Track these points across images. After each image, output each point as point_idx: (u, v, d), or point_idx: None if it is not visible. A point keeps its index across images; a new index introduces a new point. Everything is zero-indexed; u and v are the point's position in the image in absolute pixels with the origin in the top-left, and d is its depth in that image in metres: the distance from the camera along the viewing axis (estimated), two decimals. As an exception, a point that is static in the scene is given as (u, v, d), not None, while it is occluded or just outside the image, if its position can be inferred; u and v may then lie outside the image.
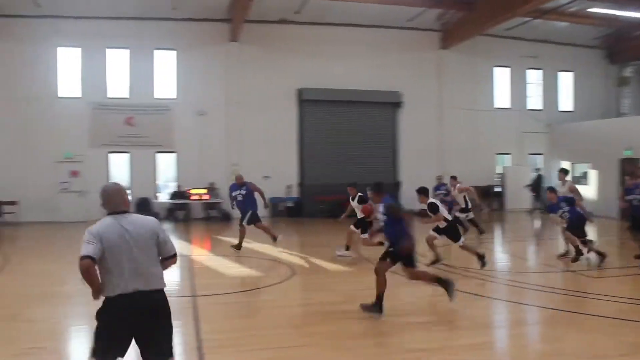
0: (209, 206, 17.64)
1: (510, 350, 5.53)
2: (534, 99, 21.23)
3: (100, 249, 3.18)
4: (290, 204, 18.18)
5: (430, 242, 9.04)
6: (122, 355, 3.34)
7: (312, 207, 17.68)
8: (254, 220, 10.48)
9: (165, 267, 3.49)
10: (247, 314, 6.55)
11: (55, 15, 16.73)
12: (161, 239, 3.41)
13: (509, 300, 7.18)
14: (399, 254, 6.11)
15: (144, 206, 16.61)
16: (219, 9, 17.43)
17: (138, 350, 3.39)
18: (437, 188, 13.33)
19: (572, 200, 9.54)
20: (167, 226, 15.81)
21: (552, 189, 10.13)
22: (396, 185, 18.46)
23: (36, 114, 16.74)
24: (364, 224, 9.76)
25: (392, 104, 18.81)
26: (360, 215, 9.83)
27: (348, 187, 10.30)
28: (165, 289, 3.46)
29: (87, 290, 3.29)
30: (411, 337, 5.70)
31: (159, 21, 17.42)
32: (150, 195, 17.40)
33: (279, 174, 17.86)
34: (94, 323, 3.34)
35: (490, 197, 19.24)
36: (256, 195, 10.68)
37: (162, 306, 3.41)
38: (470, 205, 12.26)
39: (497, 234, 15.61)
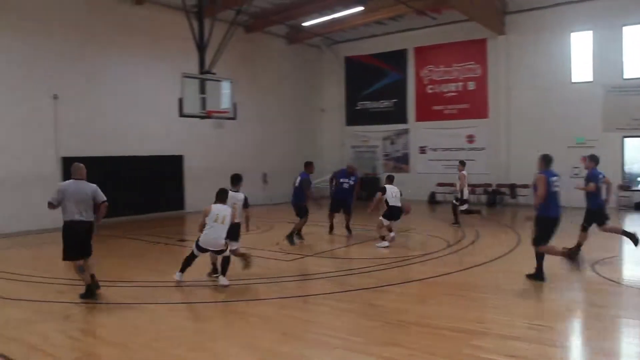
0: None
1: None
2: None
3: (60, 197, 7.77)
4: None
5: None
6: (78, 256, 7.93)
7: None
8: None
9: (100, 209, 8.07)
10: None
11: (568, 2, 20.67)
12: (96, 195, 7.98)
13: None
14: None
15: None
16: None
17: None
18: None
19: None
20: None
21: None
22: None
23: (551, 101, 21.18)
24: None
25: None
26: None
27: None
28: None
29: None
30: None
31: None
32: (670, 183, 19.73)
33: None
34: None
35: None
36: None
37: (89, 228, 7.95)
38: (465, 197, 15.32)
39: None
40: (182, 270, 8.85)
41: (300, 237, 13.18)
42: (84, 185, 8.03)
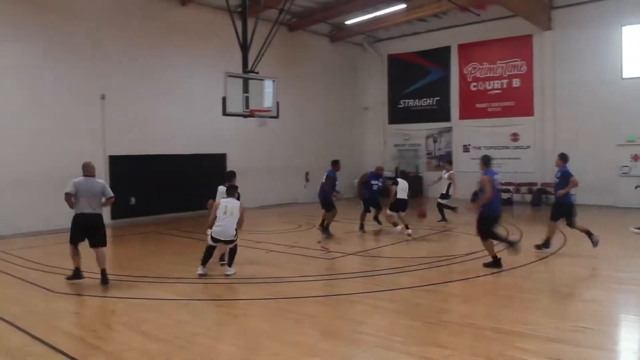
0: None
1: None
2: None
3: (74, 190, 8.58)
4: None
5: None
6: (82, 241, 8.85)
7: None
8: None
9: (109, 204, 9.04)
10: None
11: (619, -5, 20.40)
12: (105, 191, 8.90)
13: None
14: None
15: None
16: None
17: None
18: None
19: None
20: None
21: None
22: None
23: (600, 97, 20.50)
24: None
25: None
26: None
27: None
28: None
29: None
30: None
31: None
32: None
33: None
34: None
35: None
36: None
37: (100, 221, 8.91)
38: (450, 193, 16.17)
39: None
40: (204, 263, 9.37)
41: (327, 232, 13.75)
42: (93, 182, 8.95)
